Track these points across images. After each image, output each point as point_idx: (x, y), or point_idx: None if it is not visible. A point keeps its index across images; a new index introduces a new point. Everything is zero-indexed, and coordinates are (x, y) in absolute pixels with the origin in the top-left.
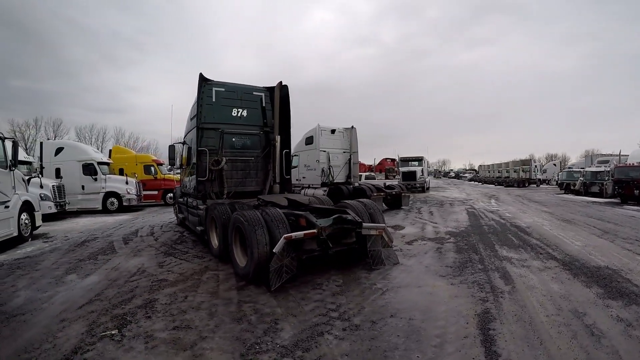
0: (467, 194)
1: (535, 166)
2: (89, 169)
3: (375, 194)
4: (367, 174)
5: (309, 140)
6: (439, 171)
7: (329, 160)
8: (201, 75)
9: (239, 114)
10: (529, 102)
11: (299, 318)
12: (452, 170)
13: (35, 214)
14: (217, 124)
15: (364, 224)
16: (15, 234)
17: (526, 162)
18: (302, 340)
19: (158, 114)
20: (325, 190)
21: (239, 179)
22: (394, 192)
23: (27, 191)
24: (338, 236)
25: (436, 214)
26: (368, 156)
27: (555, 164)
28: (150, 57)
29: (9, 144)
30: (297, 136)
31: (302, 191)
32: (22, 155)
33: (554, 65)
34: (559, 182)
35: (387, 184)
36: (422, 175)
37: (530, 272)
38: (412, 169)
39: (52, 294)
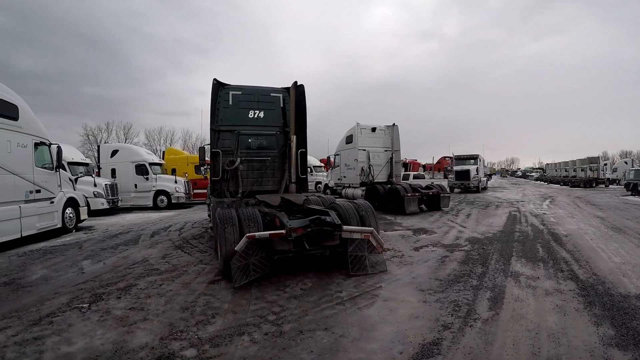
0: (524, 195)
1: (605, 164)
2: (141, 169)
3: (409, 195)
4: (415, 173)
5: (349, 139)
6: (506, 170)
7: (369, 159)
8: (216, 80)
9: (255, 115)
10: (602, 94)
11: (237, 316)
12: (519, 169)
13: (80, 209)
14: (233, 126)
15: (344, 227)
16: (59, 225)
17: (594, 160)
18: (220, 337)
19: None
20: (363, 190)
21: (254, 178)
22: (430, 193)
23: (74, 189)
24: (318, 238)
25: (473, 217)
26: (428, 154)
27: (626, 162)
28: (215, 61)
29: (54, 149)
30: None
31: (343, 191)
32: (79, 157)
33: (628, 52)
34: (625, 182)
35: (427, 184)
36: (477, 174)
37: (532, 296)
38: (465, 167)
39: (62, 274)
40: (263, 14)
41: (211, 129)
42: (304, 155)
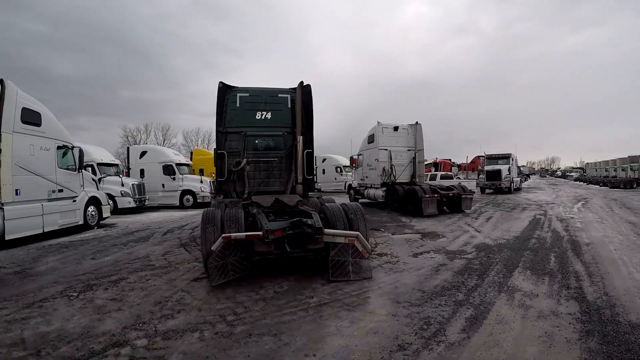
0: (557, 196)
1: None
2: (168, 170)
3: (427, 196)
4: (443, 173)
5: (371, 139)
6: (546, 170)
7: (391, 158)
8: (222, 83)
9: (262, 117)
10: None
11: (200, 313)
12: (559, 168)
13: (103, 207)
14: (240, 128)
15: (326, 230)
16: (81, 222)
17: (634, 159)
18: (174, 331)
19: None
20: (384, 191)
21: (261, 179)
22: (451, 194)
23: (97, 189)
24: (300, 241)
25: (493, 220)
26: (464, 154)
27: None
28: (249, 62)
29: (76, 151)
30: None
31: (365, 191)
32: (108, 159)
33: None
34: None
35: (449, 185)
36: (509, 174)
37: (521, 318)
38: (497, 167)
39: (67, 266)
40: (295, 14)
41: (218, 131)
42: (310, 156)
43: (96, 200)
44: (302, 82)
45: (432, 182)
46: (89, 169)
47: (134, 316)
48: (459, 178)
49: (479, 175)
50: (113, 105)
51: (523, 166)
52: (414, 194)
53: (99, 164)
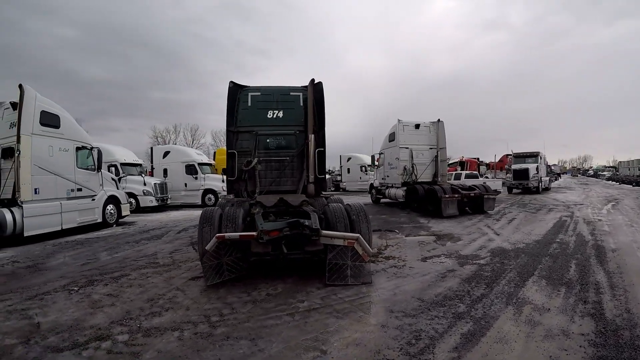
0: (587, 196)
1: None
2: (191, 169)
3: (447, 196)
4: (468, 172)
5: (391, 137)
6: (578, 169)
7: (412, 157)
8: (232, 83)
9: (274, 115)
10: None
11: (187, 312)
12: (590, 167)
13: (122, 206)
14: (251, 127)
15: (323, 232)
16: (100, 220)
17: None
18: (157, 329)
19: None
20: (404, 191)
21: (272, 178)
22: (472, 194)
23: (117, 188)
24: (298, 242)
25: (516, 222)
26: (491, 152)
27: None
28: (276, 62)
29: (95, 152)
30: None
31: (386, 191)
32: (132, 159)
33: None
34: None
35: (470, 185)
36: (537, 173)
37: (525, 337)
38: (524, 166)
39: (77, 262)
40: (320, 14)
41: (229, 131)
42: (322, 155)
43: (115, 199)
44: (313, 80)
45: (455, 182)
46: (112, 168)
47: (123, 312)
48: (486, 177)
49: (506, 174)
50: (143, 107)
51: (554, 165)
52: (434, 194)
53: (122, 164)
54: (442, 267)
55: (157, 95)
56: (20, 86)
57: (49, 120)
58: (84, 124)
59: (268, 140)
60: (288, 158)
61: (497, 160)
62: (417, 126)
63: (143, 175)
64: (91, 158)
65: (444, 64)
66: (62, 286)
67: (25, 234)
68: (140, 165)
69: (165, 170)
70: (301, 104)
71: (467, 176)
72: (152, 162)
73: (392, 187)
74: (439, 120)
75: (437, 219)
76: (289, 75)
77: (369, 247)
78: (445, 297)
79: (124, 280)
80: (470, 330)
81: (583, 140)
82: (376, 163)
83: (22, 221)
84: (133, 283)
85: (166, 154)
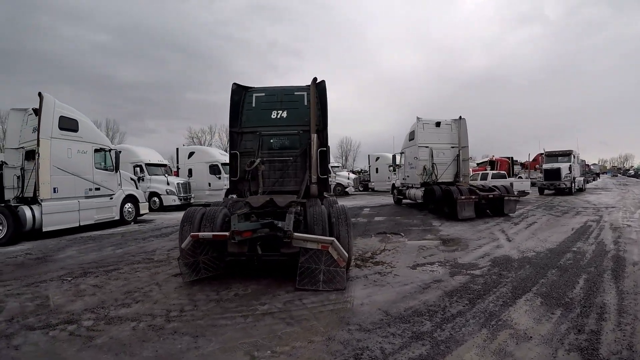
0: (622, 198)
1: None
2: (214, 169)
3: (463, 198)
4: (495, 172)
5: (411, 136)
6: (619, 169)
7: (432, 156)
8: (236, 85)
9: (278, 116)
10: None
11: (153, 305)
12: (632, 167)
13: (140, 204)
14: (255, 128)
15: (296, 234)
16: (117, 218)
17: None
18: (119, 319)
19: None
20: (423, 191)
21: (276, 179)
22: (491, 196)
23: (136, 188)
24: (273, 244)
25: (535, 227)
26: (526, 151)
27: None
28: (308, 61)
29: (113, 154)
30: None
31: (407, 192)
32: (157, 159)
33: None
34: None
35: (491, 186)
36: (570, 173)
37: None
38: (556, 166)
39: (82, 256)
40: (352, 12)
41: (233, 132)
42: (324, 155)
43: (133, 198)
44: (315, 79)
45: (481, 182)
46: (137, 168)
47: (99, 301)
48: (520, 177)
49: (540, 173)
50: (179, 108)
51: (594, 164)
52: (450, 195)
53: (146, 164)
54: (430, 277)
55: (192, 97)
56: (39, 94)
57: (68, 124)
58: (121, 125)
59: (271, 141)
60: (291, 158)
61: (530, 159)
62: (438, 124)
63: (166, 175)
64: (109, 159)
65: (478, 60)
66: (58, 276)
67: (44, 230)
68: (165, 165)
69: (190, 170)
70: (305, 104)
71: (494, 176)
72: (177, 162)
73: (412, 187)
74: (460, 117)
75: (452, 221)
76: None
77: (344, 251)
78: (414, 312)
79: (114, 273)
80: (421, 355)
81: (624, 139)
82: (397, 163)
83: (41, 218)
84: (120, 276)
85: (191, 154)
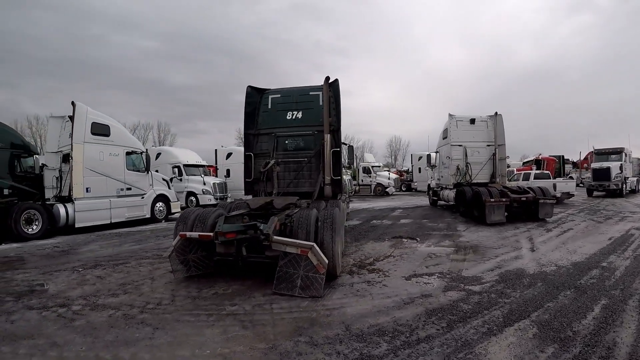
0: None
1: None
2: None
3: (492, 201)
4: (538, 172)
5: (444, 134)
6: None
7: (466, 155)
8: (250, 87)
9: (293, 117)
10: None
11: (138, 297)
12: None
13: (172, 203)
14: (271, 129)
15: (275, 237)
16: (148, 216)
17: None
18: (104, 306)
19: (373, 114)
20: (455, 192)
21: (290, 179)
22: (523, 198)
23: (168, 188)
24: (258, 246)
25: (569, 234)
26: (578, 149)
27: None
28: (355, 60)
29: (144, 156)
30: None
31: (441, 192)
32: (194, 160)
33: None
34: None
35: (527, 187)
36: (620, 172)
37: None
38: (605, 165)
39: (102, 250)
40: (396, 9)
41: (248, 134)
42: (338, 155)
43: (165, 197)
44: (327, 78)
45: (523, 183)
46: (176, 169)
47: (95, 290)
48: (570, 178)
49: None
50: (228, 110)
51: None
52: (479, 198)
53: (185, 165)
54: (420, 290)
55: (240, 99)
56: (72, 103)
57: (100, 129)
58: (173, 127)
59: (287, 142)
60: (306, 159)
61: (581, 158)
62: (472, 121)
63: (202, 175)
64: (141, 161)
65: (526, 53)
66: (72, 267)
67: (76, 226)
68: (203, 166)
69: (228, 171)
70: (320, 104)
71: (537, 176)
72: (216, 163)
73: (445, 188)
74: (496, 113)
75: (479, 226)
76: (370, 73)
77: (324, 257)
78: (378, 331)
79: (120, 267)
80: None
81: None
82: (433, 162)
83: (74, 215)
84: (124, 270)
85: (229, 155)
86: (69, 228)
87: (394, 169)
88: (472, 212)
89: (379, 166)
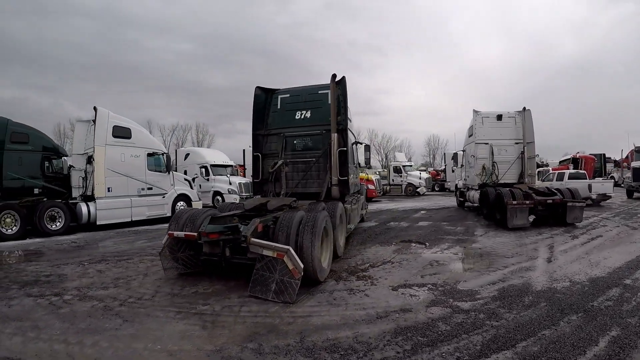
0: None
1: None
2: None
3: (515, 203)
4: (572, 171)
5: (470, 132)
6: None
7: (493, 154)
8: (259, 89)
9: (302, 116)
10: None
11: (124, 291)
12: None
13: (193, 203)
14: (279, 129)
15: (253, 240)
16: (168, 214)
17: None
18: (91, 297)
19: (412, 113)
20: (479, 194)
21: (298, 180)
22: (549, 201)
23: (190, 188)
24: (241, 247)
25: (596, 243)
26: (618, 148)
27: None
28: (393, 57)
29: (165, 157)
30: None
31: (467, 193)
32: (221, 160)
33: None
34: None
35: (555, 188)
36: None
37: None
38: None
39: (115, 247)
40: (429, 4)
41: (257, 134)
42: (344, 155)
43: (186, 197)
44: (334, 76)
45: (556, 184)
46: (203, 169)
47: (90, 283)
48: (612, 177)
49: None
50: None
51: None
52: (501, 199)
53: (212, 165)
54: (401, 303)
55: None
56: (94, 108)
57: (121, 132)
58: (211, 128)
59: (295, 142)
60: (314, 159)
61: (623, 156)
62: (499, 117)
63: (228, 175)
64: (162, 162)
65: (567, 47)
66: (80, 261)
67: (98, 223)
68: (230, 166)
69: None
70: (329, 102)
71: (572, 176)
72: (244, 163)
73: (471, 189)
74: (524, 108)
75: (500, 230)
76: (406, 70)
77: (299, 262)
78: (331, 346)
79: (122, 262)
80: None
81: None
82: (460, 162)
83: (95, 213)
84: (124, 265)
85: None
86: (91, 225)
87: (431, 169)
88: (495, 215)
89: (411, 165)
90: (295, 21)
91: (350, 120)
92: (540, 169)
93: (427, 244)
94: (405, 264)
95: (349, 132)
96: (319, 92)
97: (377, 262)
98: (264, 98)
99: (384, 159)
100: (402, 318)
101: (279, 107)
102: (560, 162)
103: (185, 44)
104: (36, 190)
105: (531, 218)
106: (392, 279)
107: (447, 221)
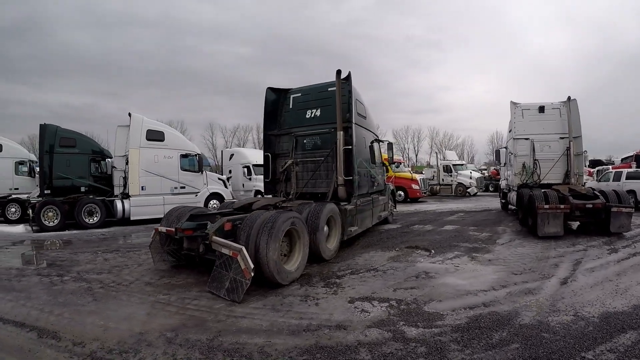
0: None
1: None
2: None
3: (547, 208)
4: (630, 170)
5: (510, 126)
6: None
7: (533, 150)
8: (271, 89)
9: (312, 115)
10: None
11: (112, 277)
12: None
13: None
14: (291, 129)
15: (214, 238)
16: None
17: None
18: (86, 280)
19: (473, 109)
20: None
21: (307, 179)
22: (589, 206)
23: (225, 187)
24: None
25: (632, 261)
26: None
27: None
28: (451, 53)
29: (198, 158)
30: None
31: (508, 195)
32: (255, 159)
33: None
34: None
35: (599, 190)
36: None
37: None
38: None
39: (135, 239)
40: None
41: (269, 134)
42: (349, 154)
43: (219, 195)
44: (339, 71)
45: (614, 184)
46: (245, 169)
47: (91, 268)
48: None
49: None
50: None
51: None
52: (532, 203)
53: (254, 165)
54: (343, 318)
55: None
56: (129, 114)
57: (154, 136)
58: None
59: (305, 141)
60: (322, 158)
61: None
62: (542, 109)
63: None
64: (195, 162)
65: (635, 32)
66: (95, 251)
67: (132, 218)
68: (262, 166)
69: None
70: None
71: (630, 176)
72: None
73: (512, 189)
74: (569, 98)
75: (528, 238)
76: (467, 65)
77: (251, 262)
78: (231, 350)
79: (130, 253)
80: None
81: None
82: (502, 160)
83: (130, 209)
84: (129, 256)
85: None
86: (126, 220)
87: (492, 168)
88: (528, 220)
89: (462, 164)
90: (351, 19)
91: (365, 117)
92: (599, 167)
93: (433, 251)
94: (389, 273)
95: (360, 129)
96: (329, 89)
97: (361, 269)
98: (277, 99)
99: (445, 158)
100: (329, 336)
101: (291, 106)
102: (622, 159)
103: (243, 47)
104: (83, 189)
105: (575, 225)
106: (360, 289)
107: (477, 225)
